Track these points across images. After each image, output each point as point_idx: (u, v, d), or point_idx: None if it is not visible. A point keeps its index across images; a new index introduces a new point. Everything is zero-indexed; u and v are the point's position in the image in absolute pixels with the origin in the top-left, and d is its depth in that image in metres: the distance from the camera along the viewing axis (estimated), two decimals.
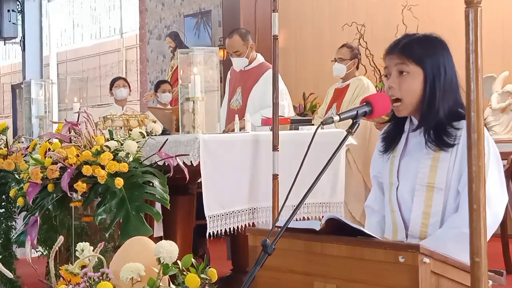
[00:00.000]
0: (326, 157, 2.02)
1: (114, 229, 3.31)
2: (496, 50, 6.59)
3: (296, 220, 3.04)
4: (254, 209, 3.75)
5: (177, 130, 3.85)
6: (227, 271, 4.60)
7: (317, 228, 2.09)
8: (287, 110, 5.07)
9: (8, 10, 11.91)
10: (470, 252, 1.51)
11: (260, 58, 5.22)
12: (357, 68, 5.69)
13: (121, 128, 4.01)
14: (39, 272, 2.59)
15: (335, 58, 5.60)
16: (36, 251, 3.64)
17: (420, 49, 2.34)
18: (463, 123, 2.24)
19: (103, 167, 3.34)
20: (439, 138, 2.27)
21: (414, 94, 2.31)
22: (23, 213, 3.86)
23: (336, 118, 2.07)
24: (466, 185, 1.52)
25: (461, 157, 2.23)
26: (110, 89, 7.09)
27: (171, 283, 2.38)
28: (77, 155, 3.40)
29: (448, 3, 7.01)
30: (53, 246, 2.55)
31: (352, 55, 5.57)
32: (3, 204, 4.39)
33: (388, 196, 2.43)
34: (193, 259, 2.43)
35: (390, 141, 2.44)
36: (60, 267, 2.50)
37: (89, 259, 2.50)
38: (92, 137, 3.52)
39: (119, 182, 3.29)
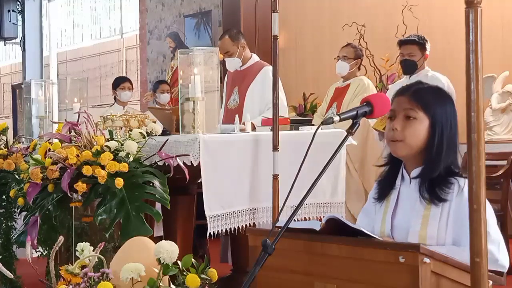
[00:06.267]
0: (326, 157, 2.02)
1: (114, 229, 3.31)
2: (496, 50, 6.58)
3: (296, 220, 3.05)
4: (255, 209, 3.75)
5: (177, 130, 3.85)
6: (227, 271, 4.60)
7: (317, 228, 2.10)
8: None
9: (8, 10, 11.89)
10: (470, 252, 1.51)
11: (255, 57, 5.22)
12: (359, 69, 5.70)
13: (121, 128, 4.01)
14: (39, 272, 2.59)
15: (338, 56, 5.61)
16: (36, 251, 3.64)
17: (431, 98, 2.33)
18: (454, 180, 2.25)
19: (103, 167, 3.34)
20: (433, 191, 2.26)
21: (417, 139, 2.30)
22: (23, 213, 3.86)
23: (336, 118, 2.07)
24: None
25: (455, 222, 2.22)
26: (114, 88, 7.02)
27: (171, 283, 2.39)
28: (77, 155, 3.40)
29: (448, 3, 7.00)
30: (53, 246, 2.56)
31: (356, 55, 5.58)
32: (3, 204, 4.39)
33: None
34: (193, 259, 2.44)
35: (384, 189, 2.42)
36: (60, 267, 2.50)
37: (89, 259, 2.51)
38: (92, 137, 3.52)
39: (119, 182, 3.29)
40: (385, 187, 2.42)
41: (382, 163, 2.46)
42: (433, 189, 2.26)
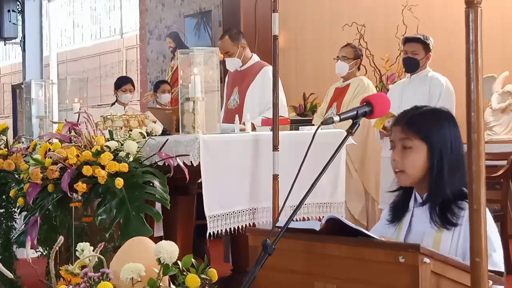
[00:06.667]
0: (326, 157, 2.02)
1: (114, 229, 3.31)
2: (496, 50, 6.58)
3: (296, 220, 3.05)
4: (255, 209, 3.75)
5: (177, 130, 3.85)
6: (227, 271, 4.60)
7: (317, 228, 2.09)
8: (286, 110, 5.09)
9: (8, 10, 11.89)
10: (470, 252, 1.51)
11: (255, 58, 5.22)
12: (359, 69, 5.70)
13: (121, 128, 4.01)
14: (39, 272, 2.59)
15: (338, 56, 5.61)
16: (36, 251, 3.64)
17: (425, 124, 2.31)
18: (466, 204, 2.21)
19: (103, 167, 3.34)
20: (444, 215, 2.26)
21: (417, 168, 2.30)
22: (23, 213, 3.86)
23: (336, 118, 2.07)
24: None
25: (464, 240, 2.21)
26: (116, 88, 7.03)
27: (171, 283, 2.39)
28: (77, 155, 3.40)
29: (448, 3, 7.00)
30: (53, 246, 2.56)
31: (356, 55, 5.59)
32: (3, 204, 4.39)
33: None
34: (193, 259, 2.44)
35: (397, 213, 2.43)
36: (60, 267, 2.50)
37: (89, 259, 2.51)
38: (92, 137, 3.52)
39: (119, 182, 3.29)
40: (399, 210, 2.42)
41: (395, 189, 2.46)
42: (444, 214, 2.26)
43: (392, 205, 2.46)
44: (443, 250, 2.23)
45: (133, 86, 7.11)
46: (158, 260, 2.31)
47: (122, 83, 7.04)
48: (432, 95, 4.94)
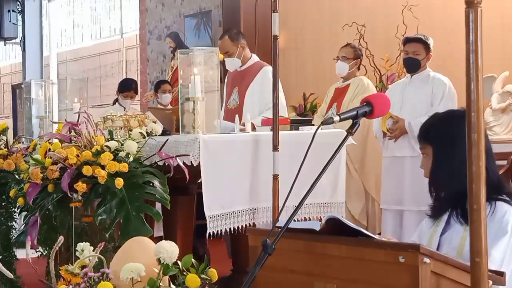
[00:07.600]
0: (326, 157, 2.02)
1: (114, 229, 3.31)
2: (496, 50, 6.57)
3: (296, 220, 3.05)
4: (255, 209, 3.75)
5: (177, 131, 3.85)
6: (227, 271, 4.60)
7: (317, 228, 2.10)
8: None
9: (8, 10, 11.89)
10: (470, 252, 1.51)
11: (255, 58, 5.22)
12: (358, 68, 5.70)
13: (121, 128, 4.01)
14: (39, 272, 2.59)
15: (337, 56, 5.61)
16: (36, 251, 3.64)
17: (434, 132, 2.47)
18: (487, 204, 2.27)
19: (103, 167, 3.34)
20: (465, 214, 2.31)
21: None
22: (23, 213, 3.86)
23: (336, 118, 2.07)
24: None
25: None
26: (119, 91, 7.00)
27: (171, 283, 2.39)
28: (77, 155, 3.40)
29: (448, 3, 6.99)
30: (53, 246, 2.56)
31: (356, 55, 5.59)
32: (3, 204, 4.39)
33: None
34: (193, 259, 2.44)
35: (435, 210, 2.50)
36: (60, 267, 2.51)
37: (89, 259, 2.51)
38: (92, 137, 3.52)
39: (119, 182, 3.29)
40: (438, 207, 2.52)
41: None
42: (465, 212, 2.28)
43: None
44: (467, 247, 2.26)
45: (136, 92, 7.08)
46: (158, 260, 2.31)
47: (125, 89, 6.98)
48: (435, 95, 4.93)
